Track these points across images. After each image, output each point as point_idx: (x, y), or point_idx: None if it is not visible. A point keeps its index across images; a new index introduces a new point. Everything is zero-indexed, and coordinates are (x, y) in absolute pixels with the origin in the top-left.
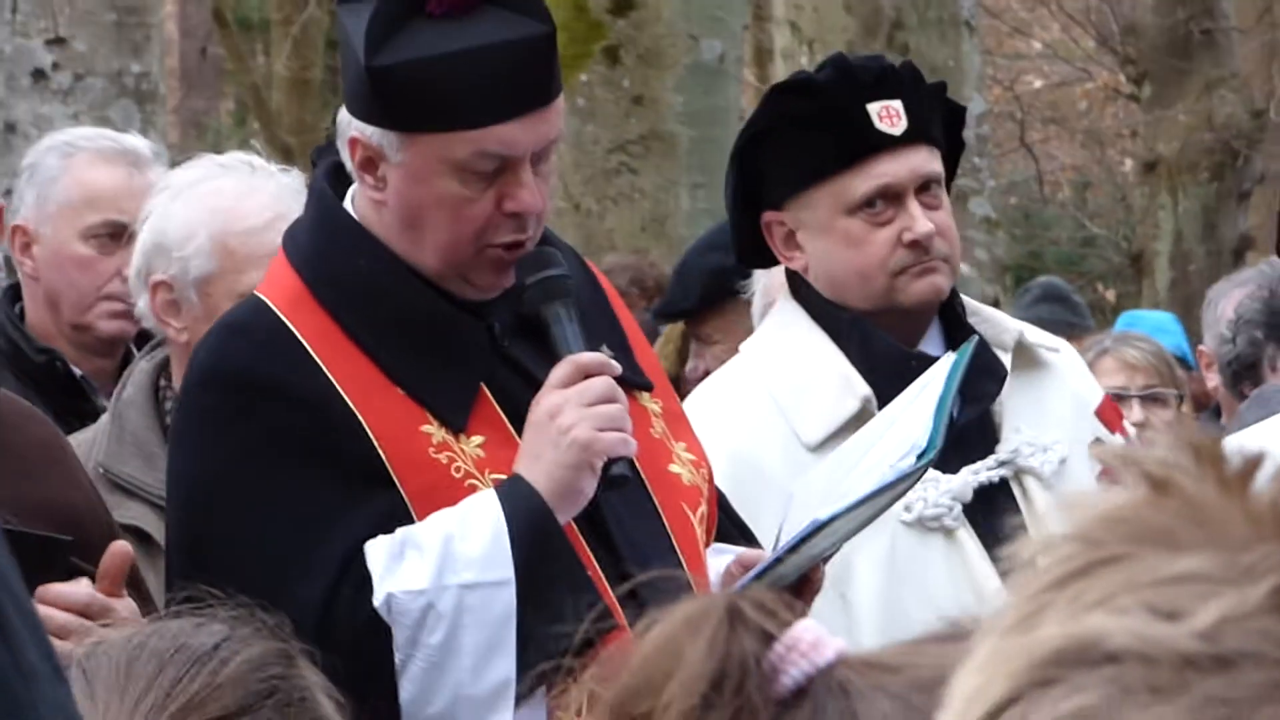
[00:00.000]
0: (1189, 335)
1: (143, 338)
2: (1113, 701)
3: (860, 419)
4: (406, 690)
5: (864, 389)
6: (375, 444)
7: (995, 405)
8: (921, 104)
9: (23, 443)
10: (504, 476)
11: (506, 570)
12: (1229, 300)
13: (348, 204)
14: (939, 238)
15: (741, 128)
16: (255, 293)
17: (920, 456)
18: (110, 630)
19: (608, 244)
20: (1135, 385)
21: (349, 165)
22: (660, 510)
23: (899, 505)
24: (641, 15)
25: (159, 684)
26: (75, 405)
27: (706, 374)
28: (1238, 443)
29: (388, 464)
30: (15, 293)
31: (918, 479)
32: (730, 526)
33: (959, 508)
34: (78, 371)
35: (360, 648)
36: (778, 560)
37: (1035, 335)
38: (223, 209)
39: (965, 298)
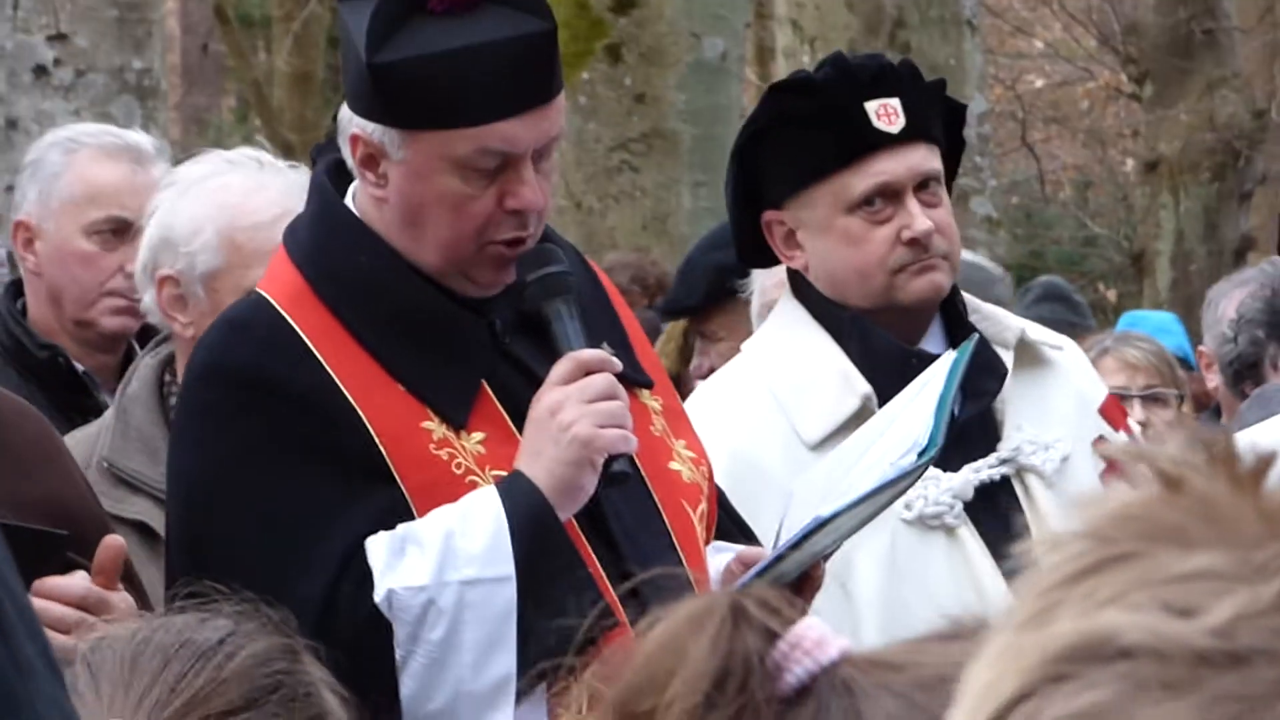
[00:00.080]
0: (1190, 335)
1: (145, 334)
2: (1126, 697)
3: (861, 417)
4: (407, 686)
5: (864, 387)
6: (376, 440)
7: (997, 403)
8: (920, 102)
9: (18, 440)
10: (505, 473)
11: (507, 566)
12: (1230, 300)
13: (349, 201)
14: (938, 235)
15: (741, 127)
16: (256, 289)
17: (921, 454)
18: (115, 625)
19: (609, 242)
20: (1136, 385)
21: (350, 162)
22: (660, 507)
23: (899, 503)
24: (643, 13)
25: (164, 679)
26: (78, 401)
27: (711, 371)
28: (1250, 441)
29: (388, 460)
30: (18, 288)
31: (918, 476)
32: (730, 524)
33: (960, 506)
34: (80, 367)
35: (361, 644)
36: (779, 557)
37: (1038, 333)
38: (230, 205)
39: (966, 295)
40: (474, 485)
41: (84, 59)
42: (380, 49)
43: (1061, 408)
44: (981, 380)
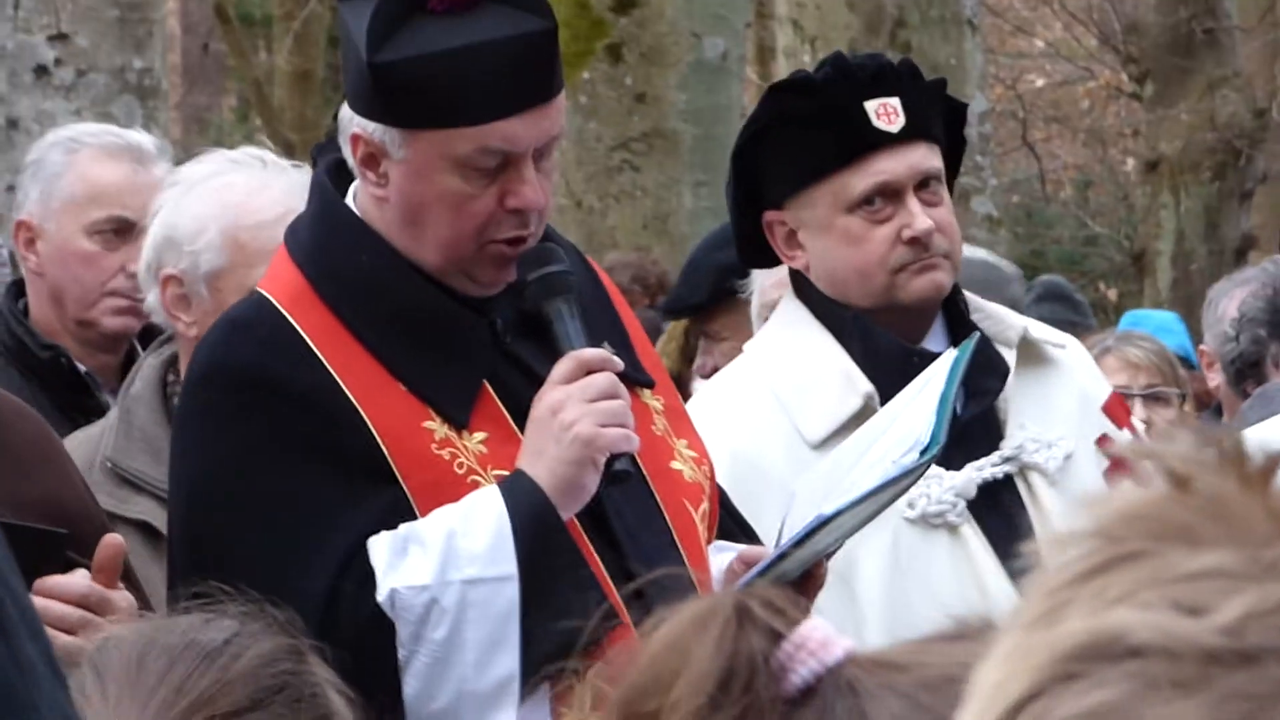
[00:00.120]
0: (1191, 334)
1: (146, 334)
2: (1135, 696)
3: (862, 416)
4: (410, 686)
5: (866, 386)
6: (378, 440)
7: (1000, 401)
8: (920, 101)
9: (16, 440)
10: (506, 472)
11: (509, 566)
12: (1231, 299)
13: (349, 200)
14: (939, 234)
15: (741, 127)
16: (257, 288)
17: (923, 452)
18: (120, 626)
19: (610, 242)
20: (1138, 384)
21: (351, 162)
22: (662, 507)
23: (902, 502)
24: (644, 13)
25: (170, 680)
26: (79, 401)
27: (715, 370)
28: (1258, 440)
29: (390, 460)
30: (19, 289)
31: (920, 475)
32: (731, 524)
33: (963, 504)
34: (82, 367)
35: (363, 644)
36: (781, 556)
37: (1040, 331)
38: (234, 204)
39: (968, 294)
40: (476, 485)
41: (85, 59)
42: (381, 48)
43: (1064, 406)
44: (984, 379)
